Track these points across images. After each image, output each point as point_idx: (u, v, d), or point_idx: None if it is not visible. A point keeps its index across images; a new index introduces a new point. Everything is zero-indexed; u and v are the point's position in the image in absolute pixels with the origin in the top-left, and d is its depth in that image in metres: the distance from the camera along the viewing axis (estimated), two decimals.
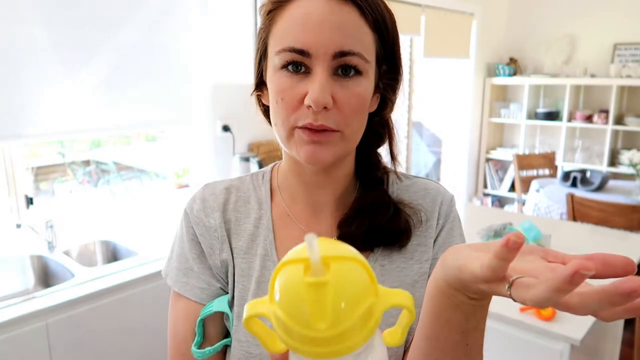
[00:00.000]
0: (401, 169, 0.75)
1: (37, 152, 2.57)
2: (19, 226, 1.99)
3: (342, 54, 0.57)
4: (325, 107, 0.58)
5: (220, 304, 0.69)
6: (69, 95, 1.94)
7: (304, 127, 0.59)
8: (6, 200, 1.99)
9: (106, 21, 2.01)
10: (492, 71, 4.58)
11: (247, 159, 2.43)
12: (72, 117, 1.97)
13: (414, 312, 0.37)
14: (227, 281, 0.71)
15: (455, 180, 4.65)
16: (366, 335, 0.34)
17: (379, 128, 0.70)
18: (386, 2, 0.64)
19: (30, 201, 2.03)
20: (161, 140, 2.93)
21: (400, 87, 0.68)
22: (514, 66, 4.55)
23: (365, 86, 0.61)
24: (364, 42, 0.59)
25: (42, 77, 1.86)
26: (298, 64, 0.59)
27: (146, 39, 2.15)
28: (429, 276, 0.69)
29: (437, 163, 4.90)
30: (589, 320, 1.45)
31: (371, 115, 0.66)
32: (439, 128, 4.91)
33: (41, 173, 2.54)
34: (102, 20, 2.00)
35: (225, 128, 2.48)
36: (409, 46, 3.86)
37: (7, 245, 1.92)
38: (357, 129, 0.63)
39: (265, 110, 0.70)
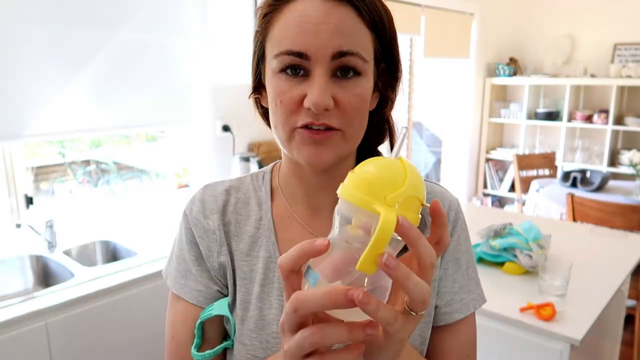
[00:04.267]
0: None
1: (37, 152, 2.57)
2: (19, 226, 1.99)
3: (341, 54, 0.57)
4: (326, 109, 0.57)
5: (220, 307, 0.68)
6: (69, 95, 1.94)
7: (304, 127, 0.59)
8: (6, 200, 1.99)
9: (106, 21, 2.01)
10: (492, 71, 4.58)
11: (247, 159, 2.43)
12: (72, 117, 1.97)
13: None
14: (226, 284, 0.70)
15: (455, 180, 4.65)
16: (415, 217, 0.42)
17: (379, 126, 0.70)
18: (385, 1, 0.63)
19: (30, 201, 2.03)
20: (161, 140, 2.93)
21: (400, 85, 0.67)
22: (514, 66, 4.55)
23: (364, 86, 0.60)
24: (362, 43, 0.59)
25: (42, 77, 1.86)
26: (297, 67, 0.58)
27: (146, 38, 2.15)
28: (435, 281, 0.70)
29: (437, 163, 4.90)
30: (589, 320, 1.45)
31: (371, 114, 0.65)
32: (439, 128, 4.90)
33: (41, 173, 2.54)
34: (102, 21, 2.00)
35: (225, 128, 2.48)
36: (409, 46, 3.86)
37: (7, 245, 1.92)
38: (358, 129, 0.62)
39: (264, 113, 0.70)
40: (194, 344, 0.68)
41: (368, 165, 0.43)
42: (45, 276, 1.91)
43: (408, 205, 0.41)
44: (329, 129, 0.59)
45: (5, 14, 1.74)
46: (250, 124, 2.53)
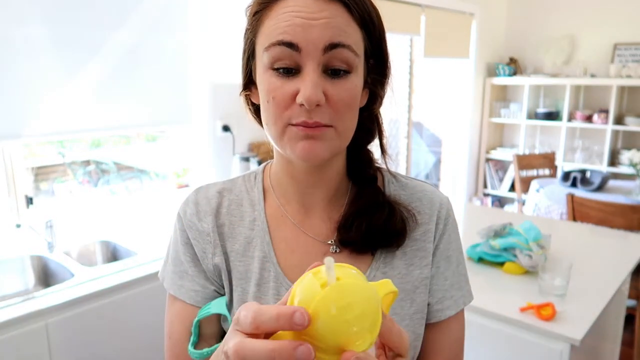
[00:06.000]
0: (392, 162, 0.75)
1: (37, 152, 2.57)
2: (19, 226, 1.99)
3: (333, 46, 0.57)
4: (317, 104, 0.58)
5: (218, 306, 0.68)
6: (69, 95, 1.94)
7: (297, 125, 0.59)
8: (6, 200, 1.99)
9: (106, 21, 2.01)
10: (492, 71, 4.58)
11: (247, 159, 2.43)
12: (72, 117, 1.97)
13: (396, 293, 0.45)
14: (222, 284, 0.70)
15: (455, 180, 4.65)
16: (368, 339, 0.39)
17: (368, 124, 0.70)
18: (385, 1, 0.64)
19: (30, 201, 2.03)
20: (161, 140, 2.93)
21: (389, 82, 0.68)
22: (514, 66, 4.55)
23: (355, 82, 0.61)
24: (352, 37, 0.59)
25: (42, 77, 1.86)
26: (289, 69, 0.58)
27: (146, 38, 2.15)
28: (427, 279, 0.70)
29: (437, 163, 4.90)
30: (589, 320, 1.45)
31: (360, 111, 0.65)
32: (439, 128, 4.90)
33: (41, 173, 2.54)
34: (102, 20, 2.00)
35: (225, 128, 2.48)
36: (409, 46, 3.86)
37: (7, 245, 1.92)
38: (349, 125, 0.62)
39: (255, 110, 0.70)
40: (191, 342, 0.68)
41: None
42: (45, 276, 1.91)
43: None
44: (321, 126, 0.59)
45: (5, 14, 1.74)
46: (250, 124, 2.52)
